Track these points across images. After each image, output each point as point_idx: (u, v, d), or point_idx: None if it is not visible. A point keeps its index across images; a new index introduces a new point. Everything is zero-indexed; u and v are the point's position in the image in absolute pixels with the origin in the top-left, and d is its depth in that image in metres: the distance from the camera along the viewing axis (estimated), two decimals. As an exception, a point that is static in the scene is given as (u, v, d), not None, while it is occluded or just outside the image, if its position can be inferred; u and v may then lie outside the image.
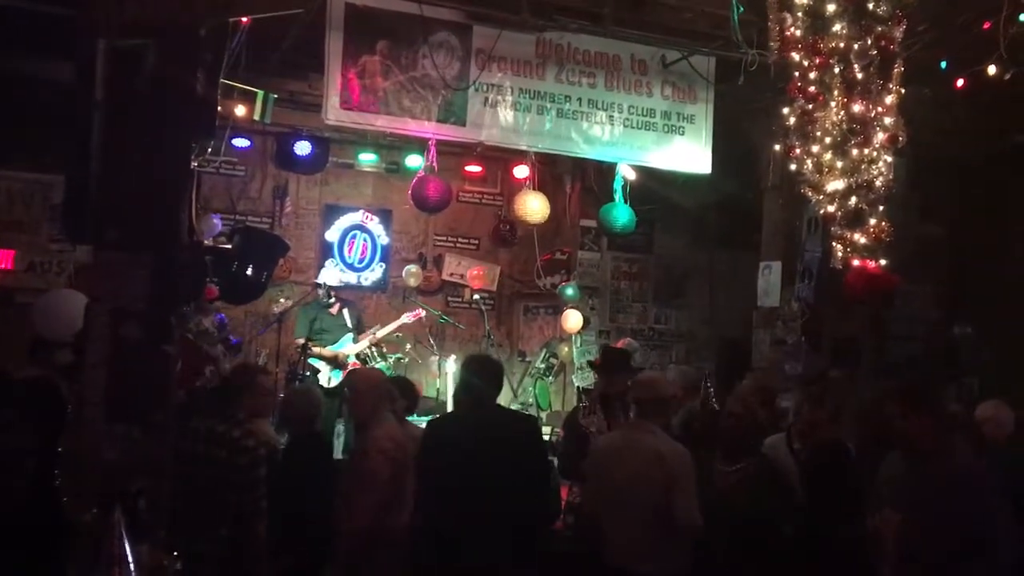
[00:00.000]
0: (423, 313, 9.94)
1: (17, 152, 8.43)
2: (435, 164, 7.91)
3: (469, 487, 4.76)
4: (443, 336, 10.63)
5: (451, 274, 11.26)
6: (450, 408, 9.30)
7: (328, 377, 9.12)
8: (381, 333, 9.44)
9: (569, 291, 10.68)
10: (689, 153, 8.40)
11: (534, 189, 8.75)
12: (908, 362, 8.73)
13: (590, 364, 7.18)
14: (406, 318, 9.71)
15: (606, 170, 8.94)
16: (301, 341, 9.12)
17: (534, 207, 8.73)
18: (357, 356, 9.31)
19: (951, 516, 4.00)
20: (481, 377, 5.10)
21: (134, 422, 5.10)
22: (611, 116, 8.09)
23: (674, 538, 4.75)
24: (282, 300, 9.93)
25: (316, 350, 9.15)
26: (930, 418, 4.20)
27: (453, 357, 10.08)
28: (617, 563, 4.84)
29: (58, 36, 6.32)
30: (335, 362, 9.16)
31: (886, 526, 4.44)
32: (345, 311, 9.44)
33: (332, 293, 9.49)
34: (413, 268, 10.93)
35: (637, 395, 5.22)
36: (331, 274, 9.73)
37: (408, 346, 9.98)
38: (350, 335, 9.29)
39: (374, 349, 9.40)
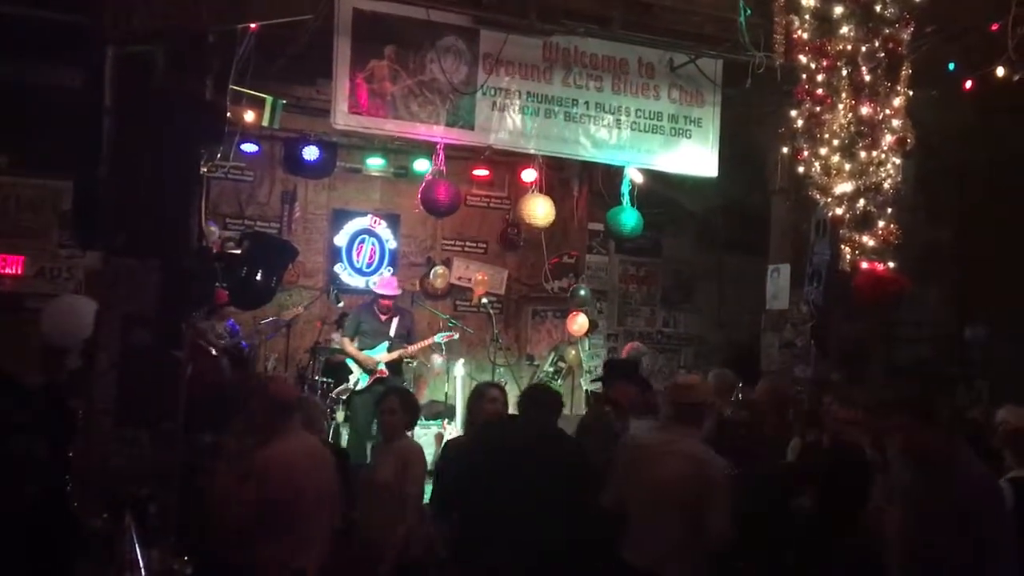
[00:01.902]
0: (456, 335, 9.94)
1: (26, 158, 8.45)
2: (443, 168, 7.93)
3: (487, 505, 4.84)
4: (451, 340, 10.62)
5: (459, 278, 11.26)
6: (459, 417, 9.34)
7: (357, 379, 9.15)
8: (411, 349, 9.44)
9: (582, 292, 10.69)
10: (696, 156, 8.38)
11: (542, 192, 8.74)
12: (917, 365, 8.70)
13: (594, 383, 7.20)
14: (439, 338, 9.71)
15: (614, 173, 8.94)
16: (341, 339, 9.31)
17: (540, 210, 8.70)
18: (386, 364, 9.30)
19: (960, 525, 3.97)
20: (526, 404, 5.31)
21: (143, 427, 5.12)
22: (618, 119, 8.07)
23: (700, 544, 4.67)
24: (293, 308, 9.91)
25: (351, 350, 9.20)
26: (935, 428, 4.17)
27: (461, 361, 10.08)
28: (641, 564, 4.75)
29: (67, 43, 6.35)
30: (364, 366, 9.17)
31: (888, 525, 4.43)
32: (395, 320, 9.37)
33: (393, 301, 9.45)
34: (440, 269, 11.04)
35: (674, 398, 5.00)
36: (389, 283, 9.61)
37: (417, 350, 9.99)
38: (386, 343, 9.27)
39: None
